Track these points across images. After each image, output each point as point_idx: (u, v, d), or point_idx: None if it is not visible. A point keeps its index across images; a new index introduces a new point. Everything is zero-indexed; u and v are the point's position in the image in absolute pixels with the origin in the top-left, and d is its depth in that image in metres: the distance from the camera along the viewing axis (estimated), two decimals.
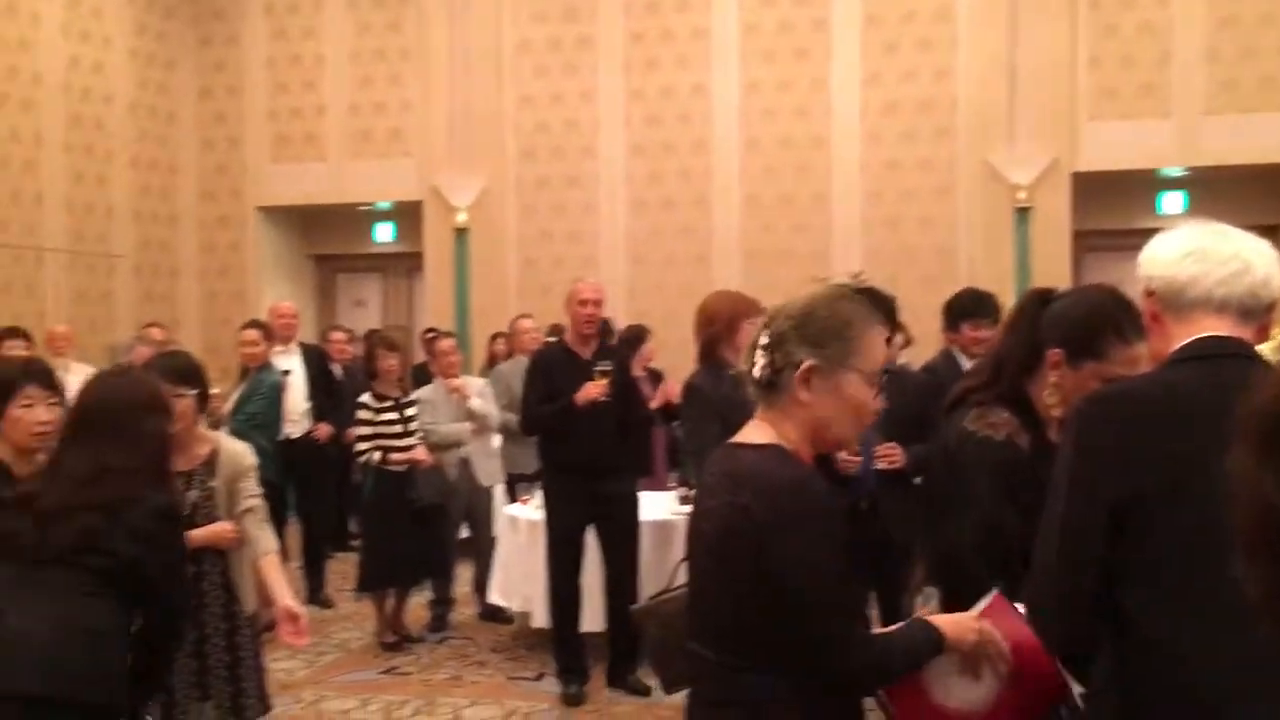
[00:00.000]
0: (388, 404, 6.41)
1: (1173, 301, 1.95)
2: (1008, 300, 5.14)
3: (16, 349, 6.49)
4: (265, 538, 3.77)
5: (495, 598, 6.55)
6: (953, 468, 2.39)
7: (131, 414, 2.91)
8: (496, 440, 7.11)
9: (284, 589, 3.63)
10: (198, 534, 3.54)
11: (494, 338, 9.63)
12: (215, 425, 5.40)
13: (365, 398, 6.46)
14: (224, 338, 10.33)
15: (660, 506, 6.03)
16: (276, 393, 6.85)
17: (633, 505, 5.57)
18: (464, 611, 7.01)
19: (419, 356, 9.77)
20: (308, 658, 6.08)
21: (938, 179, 10.42)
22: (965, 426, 2.37)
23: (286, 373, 7.28)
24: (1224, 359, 1.88)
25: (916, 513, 3.52)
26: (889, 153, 10.50)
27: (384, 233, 12.52)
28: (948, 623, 1.98)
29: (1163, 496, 1.82)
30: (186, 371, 3.72)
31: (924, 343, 6.44)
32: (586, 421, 5.32)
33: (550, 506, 5.56)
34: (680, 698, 2.12)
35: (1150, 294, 2.00)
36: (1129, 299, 2.26)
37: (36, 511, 2.77)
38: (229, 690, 3.74)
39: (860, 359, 1.92)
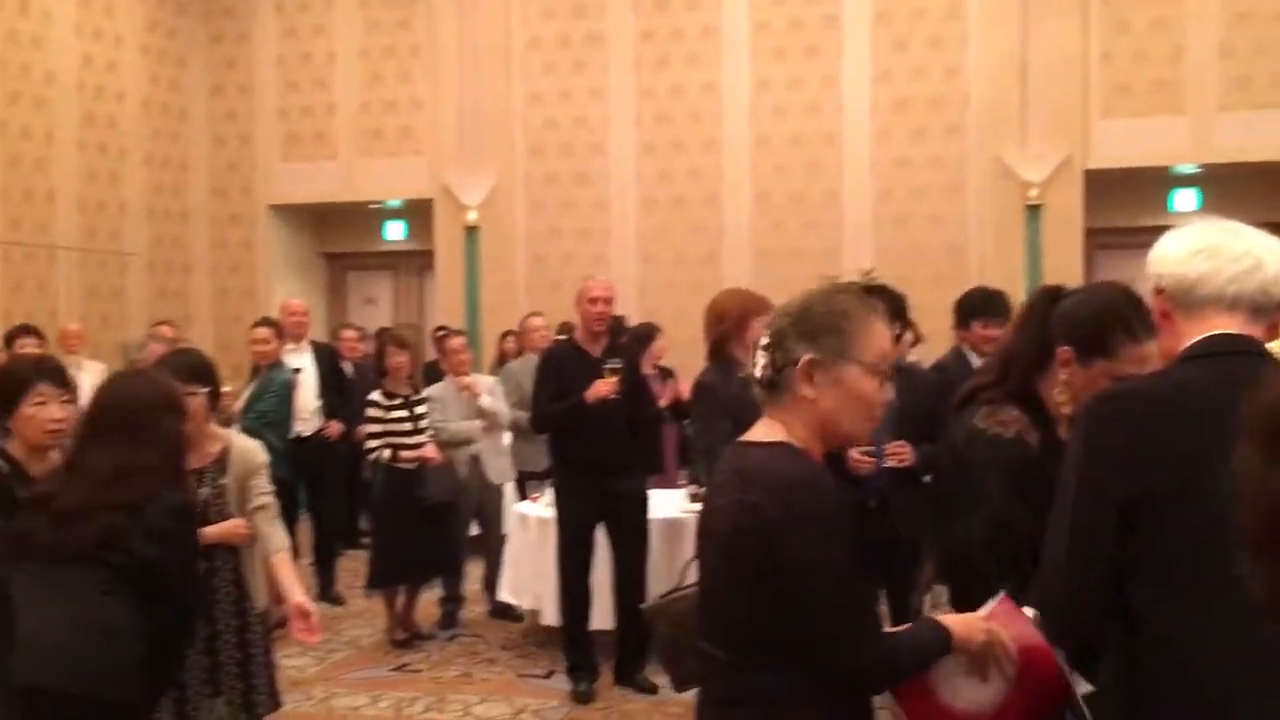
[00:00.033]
0: (397, 402, 6.43)
1: (1183, 299, 1.95)
2: (1019, 298, 5.13)
3: (29, 347, 6.52)
4: (276, 535, 3.78)
5: (505, 595, 6.56)
6: (962, 465, 2.39)
7: (149, 414, 2.94)
8: (507, 438, 7.12)
9: (295, 586, 3.65)
10: (211, 531, 3.55)
11: (504, 336, 9.63)
12: (226, 423, 5.42)
13: (375, 395, 6.47)
14: (235, 335, 10.35)
15: (670, 504, 6.03)
16: (287, 390, 6.87)
17: (643, 503, 5.58)
18: (474, 609, 7.02)
19: (430, 354, 9.79)
20: (319, 654, 6.10)
21: (949, 176, 10.40)
22: (975, 424, 2.36)
23: (297, 370, 7.30)
24: (1235, 357, 1.87)
25: (925, 511, 3.52)
26: (900, 150, 10.48)
27: (394, 230, 12.55)
28: (956, 623, 1.97)
29: (1172, 495, 1.81)
30: (198, 370, 3.74)
31: (935, 341, 6.42)
32: (597, 419, 5.32)
33: (561, 504, 5.56)
34: (690, 696, 2.12)
35: (1160, 291, 1.99)
36: (1139, 297, 2.25)
37: (55, 511, 2.79)
38: (240, 686, 3.76)
39: (859, 350, 1.91)
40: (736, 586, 1.88)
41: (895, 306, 4.56)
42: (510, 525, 6.63)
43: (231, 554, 3.75)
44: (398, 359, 6.48)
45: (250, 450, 3.85)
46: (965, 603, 2.28)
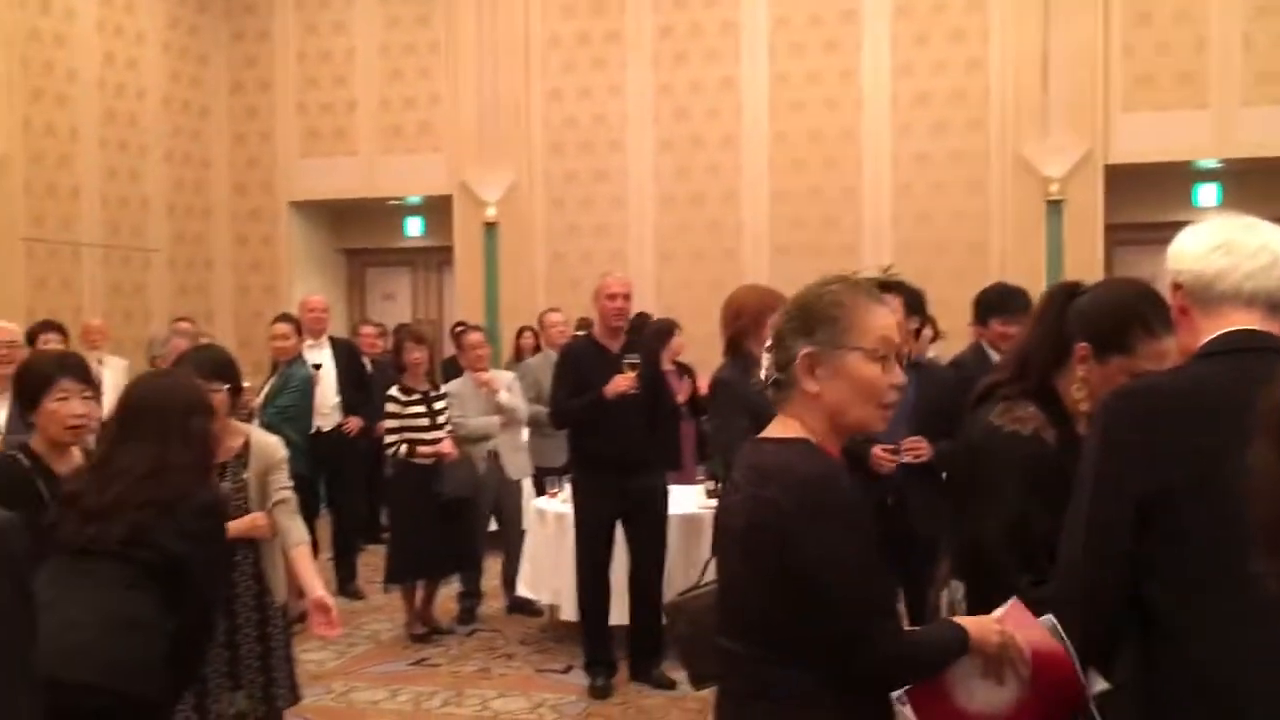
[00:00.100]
0: (415, 397, 6.45)
1: (1201, 295, 1.94)
2: (1039, 294, 5.11)
3: (52, 342, 6.56)
4: (296, 529, 3.81)
5: (523, 590, 6.57)
6: (978, 462, 2.38)
7: (179, 414, 2.99)
8: (525, 434, 7.14)
9: (315, 580, 3.67)
10: (234, 525, 3.58)
11: (521, 331, 9.66)
12: (247, 418, 5.45)
13: (393, 391, 6.50)
14: (256, 331, 10.42)
15: (688, 500, 6.04)
16: (307, 386, 6.90)
17: (662, 499, 5.58)
18: (492, 604, 7.04)
19: (449, 350, 9.82)
20: (338, 649, 6.13)
21: (969, 172, 10.35)
22: (991, 421, 2.35)
23: (317, 366, 7.34)
24: (1252, 353, 1.86)
25: (943, 508, 3.50)
26: (919, 145, 10.44)
27: (414, 227, 12.60)
28: (971, 624, 1.97)
29: (1190, 491, 1.81)
30: (220, 366, 3.78)
31: (956, 337, 6.41)
32: (616, 415, 5.33)
33: (580, 500, 5.57)
34: (708, 691, 2.13)
35: (1178, 287, 1.98)
36: (1157, 292, 2.24)
37: (85, 508, 2.82)
38: (260, 680, 3.79)
39: (856, 337, 1.90)
40: (754, 583, 1.88)
41: (914, 302, 4.55)
42: (528, 521, 6.65)
43: (251, 548, 3.78)
44: (415, 355, 6.51)
45: (270, 445, 3.88)
46: (981, 600, 2.28)
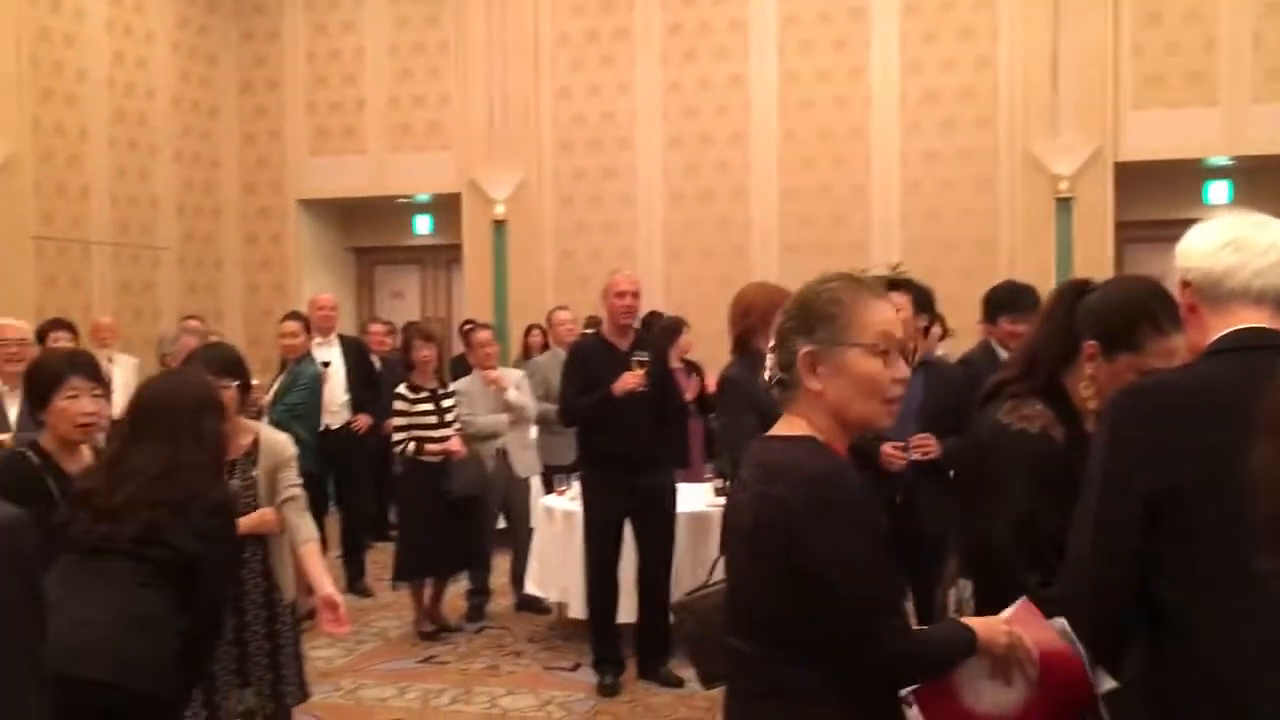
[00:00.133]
0: (423, 395, 6.46)
1: (1210, 292, 1.94)
2: (1048, 293, 5.09)
3: (61, 340, 6.58)
4: (305, 526, 3.82)
5: (532, 588, 6.58)
6: (986, 460, 2.37)
7: (192, 414, 3.00)
8: (533, 432, 7.14)
9: (324, 578, 3.68)
10: (242, 521, 3.59)
11: (529, 330, 9.67)
12: (255, 416, 5.47)
13: (401, 389, 6.51)
14: (265, 329, 10.44)
15: (695, 498, 6.04)
16: (316, 384, 6.92)
17: (670, 497, 5.58)
18: (501, 602, 7.05)
19: (458, 348, 9.83)
20: (347, 646, 6.15)
21: (978, 169, 10.33)
22: (999, 419, 2.35)
23: (326, 364, 7.36)
24: (1261, 351, 1.85)
25: (951, 505, 3.49)
26: (928, 143, 10.42)
27: (422, 225, 12.61)
28: (979, 625, 1.96)
29: (1198, 489, 1.80)
30: (230, 363, 3.80)
31: (965, 335, 6.39)
32: (625, 412, 5.33)
33: (589, 498, 5.58)
34: (716, 690, 2.12)
35: (1187, 285, 1.98)
36: (1166, 290, 2.23)
37: (98, 506, 2.84)
38: (269, 677, 3.80)
39: (855, 332, 1.90)
40: (761, 581, 1.88)
41: (922, 300, 4.54)
42: (537, 519, 6.65)
43: (260, 545, 3.79)
44: (423, 353, 6.51)
45: (279, 443, 3.89)
46: (990, 598, 2.27)
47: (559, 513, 6.27)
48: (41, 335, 6.64)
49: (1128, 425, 1.90)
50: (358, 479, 7.80)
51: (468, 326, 8.59)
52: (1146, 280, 2.38)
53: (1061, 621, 1.97)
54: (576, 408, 5.57)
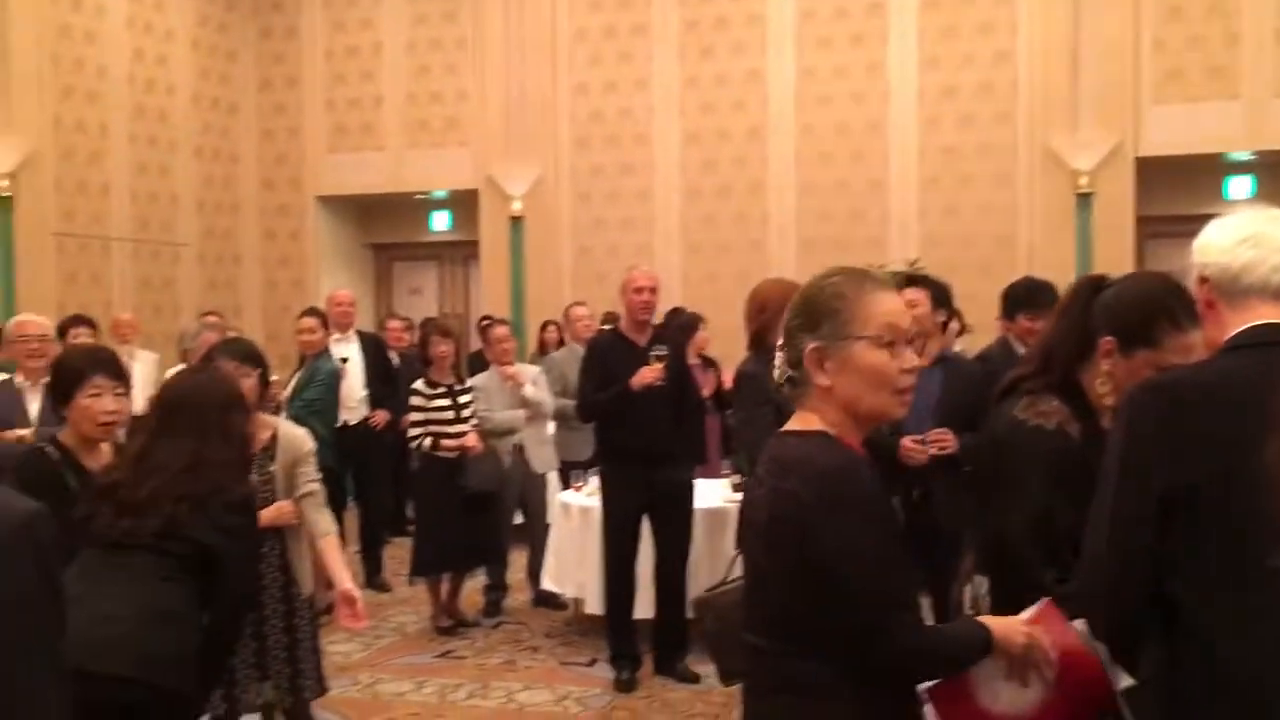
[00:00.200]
0: (440, 391, 6.47)
1: (1227, 288, 1.92)
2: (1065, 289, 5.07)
3: (82, 336, 6.63)
4: (323, 521, 3.84)
5: (548, 584, 6.59)
6: (1002, 457, 2.36)
7: (218, 410, 3.02)
8: (550, 427, 7.15)
9: (343, 572, 3.70)
10: (261, 514, 3.61)
11: (544, 325, 9.68)
12: (274, 411, 5.49)
13: (418, 385, 6.53)
14: (284, 325, 10.48)
15: (713, 494, 6.04)
16: (334, 380, 6.95)
17: (688, 493, 5.58)
18: (518, 597, 7.07)
19: (475, 344, 9.85)
20: (365, 640, 6.17)
21: (997, 165, 10.28)
22: (1015, 415, 2.34)
23: (344, 360, 7.39)
24: (1279, 347, 1.84)
25: (967, 501, 3.48)
26: (947, 138, 10.38)
27: (440, 221, 12.64)
28: (996, 625, 1.96)
29: (1215, 485, 1.79)
30: (250, 353, 3.86)
31: (983, 331, 6.37)
32: (642, 408, 5.33)
33: (606, 494, 5.58)
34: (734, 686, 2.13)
35: (1204, 280, 1.97)
36: (1183, 286, 2.21)
37: (122, 500, 2.86)
38: (287, 671, 3.82)
39: (859, 325, 1.89)
40: (776, 575, 1.89)
41: (940, 295, 4.53)
42: (553, 514, 6.66)
43: (278, 540, 3.81)
44: (441, 348, 6.53)
45: (298, 438, 3.91)
46: (1006, 595, 2.27)
47: (576, 508, 6.28)
48: (62, 331, 6.68)
49: (1144, 421, 1.89)
50: (375, 475, 7.82)
51: (485, 322, 8.61)
52: (1163, 276, 2.36)
53: (1083, 623, 1.96)
54: (595, 403, 5.58)
